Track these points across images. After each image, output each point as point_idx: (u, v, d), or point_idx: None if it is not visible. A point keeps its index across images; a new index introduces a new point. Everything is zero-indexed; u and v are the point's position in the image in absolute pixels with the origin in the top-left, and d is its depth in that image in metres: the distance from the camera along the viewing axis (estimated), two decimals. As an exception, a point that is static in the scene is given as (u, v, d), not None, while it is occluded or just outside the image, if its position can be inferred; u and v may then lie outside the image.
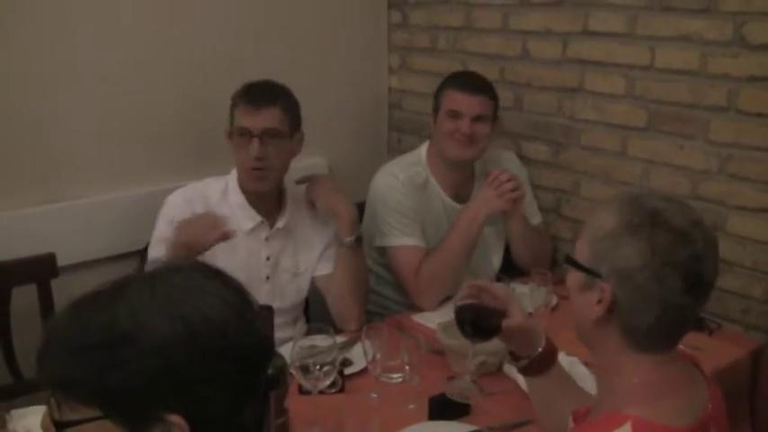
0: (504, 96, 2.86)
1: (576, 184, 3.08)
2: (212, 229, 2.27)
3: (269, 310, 1.75)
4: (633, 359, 1.39)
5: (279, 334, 1.95)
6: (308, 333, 1.94)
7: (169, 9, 2.93)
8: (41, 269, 2.63)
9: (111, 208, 2.89)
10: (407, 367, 2.01)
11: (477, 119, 2.71)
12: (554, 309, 2.48)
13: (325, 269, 2.61)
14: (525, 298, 2.31)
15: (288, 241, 2.55)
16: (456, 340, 2.18)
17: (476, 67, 3.29)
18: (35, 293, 2.62)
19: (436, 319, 2.46)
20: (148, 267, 1.54)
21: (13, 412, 1.87)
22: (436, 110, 2.79)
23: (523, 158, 3.17)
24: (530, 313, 2.19)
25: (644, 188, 2.81)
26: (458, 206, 2.81)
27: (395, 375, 2.03)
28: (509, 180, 2.69)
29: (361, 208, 2.96)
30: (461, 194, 2.85)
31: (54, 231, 2.73)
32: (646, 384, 1.38)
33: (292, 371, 1.89)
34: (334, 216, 2.51)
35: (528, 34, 3.14)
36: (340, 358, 1.99)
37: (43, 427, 1.08)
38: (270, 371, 1.18)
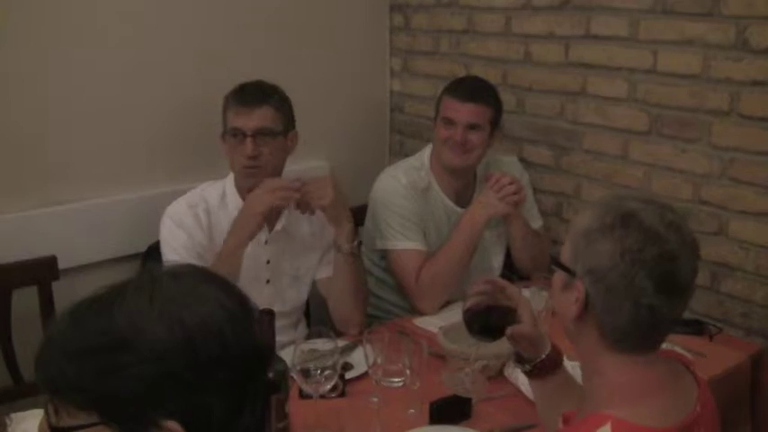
0: (506, 100, 2.86)
1: (578, 187, 3.08)
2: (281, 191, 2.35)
3: (270, 314, 1.75)
4: (613, 360, 1.41)
5: (280, 337, 1.95)
6: (309, 337, 1.94)
7: (170, 13, 2.94)
8: (42, 271, 2.62)
9: (113, 211, 2.89)
10: (408, 371, 2.00)
11: (471, 127, 2.70)
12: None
13: (326, 272, 2.61)
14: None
15: (287, 244, 2.55)
16: (457, 344, 2.18)
17: (478, 70, 3.30)
18: (36, 296, 2.61)
19: (437, 323, 2.46)
20: None
21: (14, 415, 1.87)
22: (437, 115, 2.79)
23: (525, 162, 3.17)
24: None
25: (642, 189, 2.81)
26: (459, 210, 2.81)
27: (396, 380, 2.03)
28: (510, 183, 2.68)
29: (362, 210, 2.96)
30: (463, 199, 2.84)
31: (55, 234, 2.73)
32: (626, 385, 1.39)
33: (293, 375, 1.89)
34: (336, 224, 2.49)
35: (530, 38, 3.14)
36: (341, 362, 1.99)
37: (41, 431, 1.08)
38: (271, 375, 1.18)
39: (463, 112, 2.69)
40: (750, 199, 2.56)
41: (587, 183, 3.04)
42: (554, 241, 3.12)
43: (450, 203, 2.85)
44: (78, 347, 1.02)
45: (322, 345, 1.91)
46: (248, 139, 2.39)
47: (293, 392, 1.94)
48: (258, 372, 1.11)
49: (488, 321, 1.82)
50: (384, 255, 2.83)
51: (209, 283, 1.10)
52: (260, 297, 2.39)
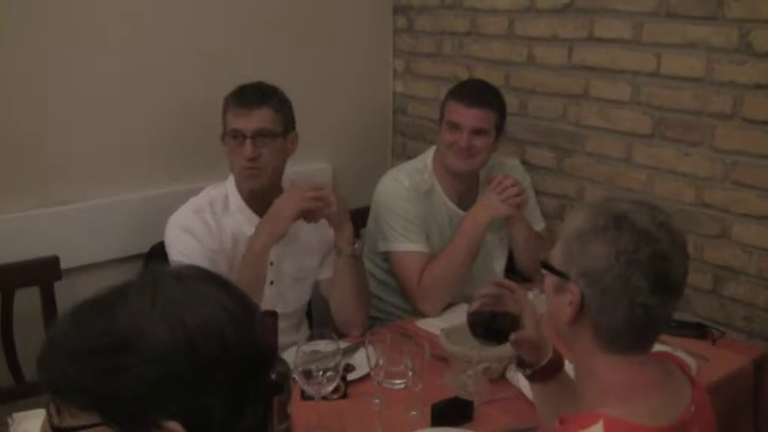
0: (509, 102, 2.86)
1: (581, 190, 3.07)
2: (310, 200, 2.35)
3: (273, 315, 1.75)
4: (606, 360, 1.42)
5: (282, 339, 1.95)
6: (311, 338, 1.94)
7: (173, 13, 2.94)
8: (44, 272, 2.63)
9: (116, 211, 2.89)
10: (410, 373, 2.00)
11: (476, 132, 2.69)
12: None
13: (328, 273, 2.61)
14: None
15: (289, 245, 2.54)
16: (460, 346, 2.18)
17: (481, 72, 3.30)
18: (38, 296, 2.61)
19: (440, 325, 2.45)
20: None
21: (15, 415, 1.87)
22: (441, 119, 2.79)
23: (528, 164, 3.17)
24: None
25: (644, 192, 2.81)
26: (462, 213, 2.80)
27: (398, 381, 2.02)
28: (513, 185, 2.68)
29: (364, 213, 2.97)
30: (466, 202, 2.84)
31: (57, 234, 2.73)
32: (619, 384, 1.41)
33: (295, 376, 1.89)
34: (338, 228, 2.48)
35: (533, 40, 3.13)
36: (343, 364, 1.99)
37: (43, 432, 1.08)
38: (273, 376, 1.18)
39: (469, 116, 2.69)
40: (753, 202, 2.56)
41: (590, 185, 3.03)
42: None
43: (453, 206, 2.85)
44: (80, 348, 1.02)
45: (324, 346, 1.91)
46: (247, 141, 2.39)
47: (295, 394, 1.93)
48: (260, 373, 1.11)
49: (493, 326, 1.82)
50: (386, 257, 2.83)
51: (211, 284, 1.10)
52: (262, 298, 2.41)
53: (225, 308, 1.06)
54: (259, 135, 2.40)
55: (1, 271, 2.56)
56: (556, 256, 1.47)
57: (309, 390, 1.92)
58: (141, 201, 2.92)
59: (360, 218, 3.04)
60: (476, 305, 1.84)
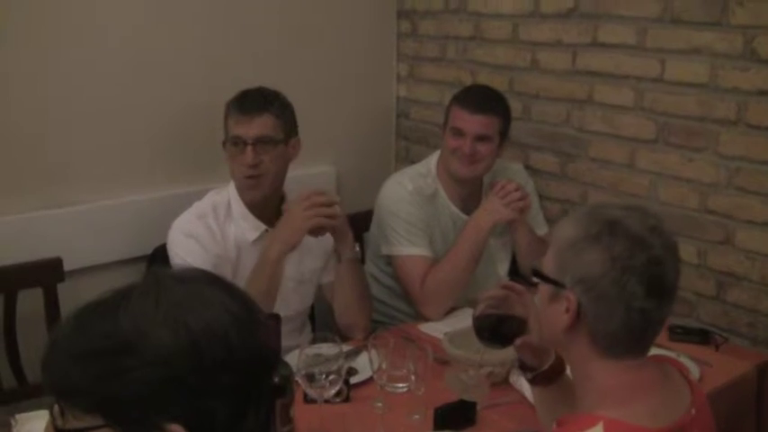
0: (513, 107, 2.86)
1: (584, 195, 3.07)
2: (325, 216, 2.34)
3: (276, 318, 1.75)
4: (603, 365, 1.44)
5: (285, 342, 1.94)
6: (314, 341, 1.93)
7: (176, 15, 2.94)
8: (48, 273, 2.63)
9: (119, 213, 2.89)
10: (413, 377, 2.00)
11: (480, 138, 2.69)
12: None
13: (330, 276, 2.61)
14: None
15: (292, 249, 2.55)
16: (463, 350, 2.18)
17: (484, 77, 3.30)
18: (41, 298, 2.62)
19: (442, 329, 2.45)
20: None
21: (18, 416, 1.87)
22: (445, 124, 2.79)
23: (531, 169, 3.17)
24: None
25: (648, 198, 2.81)
26: (465, 217, 2.80)
27: (400, 385, 2.02)
28: (516, 190, 2.68)
29: (368, 216, 2.97)
30: (470, 206, 2.84)
31: (60, 236, 2.73)
32: (618, 387, 1.42)
33: (298, 379, 1.89)
34: (340, 237, 2.48)
35: (537, 45, 3.14)
36: (345, 367, 1.99)
37: (46, 434, 1.08)
38: (276, 379, 1.18)
39: (472, 123, 2.68)
40: (757, 208, 2.56)
41: (593, 190, 3.03)
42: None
43: (457, 210, 2.85)
44: (83, 350, 1.02)
45: (327, 349, 1.91)
46: (248, 148, 2.38)
47: (298, 397, 1.94)
48: (263, 376, 1.11)
49: (499, 329, 1.81)
50: (390, 261, 2.83)
51: (215, 287, 1.10)
52: (274, 307, 2.40)
53: (228, 311, 1.06)
54: (260, 142, 2.39)
55: (4, 272, 2.57)
56: (548, 265, 1.48)
57: (312, 393, 1.92)
58: (144, 203, 2.92)
59: (363, 222, 3.05)
60: (481, 307, 1.84)
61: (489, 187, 2.80)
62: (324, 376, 1.88)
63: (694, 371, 2.20)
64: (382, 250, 2.82)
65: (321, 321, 2.88)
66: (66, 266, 2.66)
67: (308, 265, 2.60)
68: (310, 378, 1.88)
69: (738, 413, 2.35)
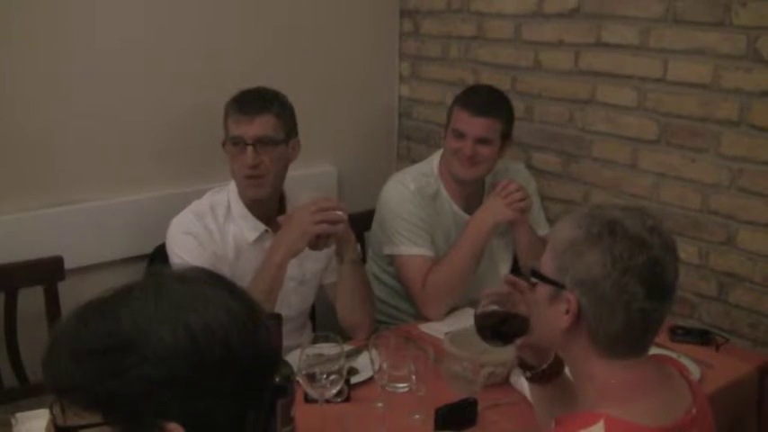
0: (516, 107, 2.85)
1: (586, 195, 3.07)
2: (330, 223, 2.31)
3: (277, 318, 1.75)
4: (603, 364, 1.44)
5: (286, 341, 1.94)
6: (315, 341, 1.93)
7: (178, 15, 2.94)
8: (48, 272, 2.63)
9: (120, 211, 2.89)
10: (414, 377, 2.00)
11: (481, 141, 2.68)
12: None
13: (333, 277, 2.61)
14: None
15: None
16: (464, 350, 2.18)
17: (487, 77, 3.30)
18: (42, 296, 2.62)
19: (443, 329, 2.45)
20: None
21: (19, 415, 1.87)
22: (448, 124, 2.78)
23: (534, 169, 3.17)
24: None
25: (650, 198, 2.81)
26: (467, 217, 2.80)
27: (401, 385, 2.02)
28: (517, 190, 2.68)
29: (369, 216, 2.97)
30: (472, 206, 2.83)
31: (61, 234, 2.73)
32: (618, 385, 1.43)
33: (299, 379, 1.89)
34: (343, 241, 2.45)
35: (540, 45, 3.13)
36: (346, 367, 1.99)
37: None
38: (276, 379, 1.18)
39: (473, 125, 2.67)
40: (759, 210, 2.56)
41: (596, 191, 3.03)
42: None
43: (459, 210, 2.84)
44: (83, 348, 1.02)
45: (328, 349, 1.91)
46: (249, 148, 2.38)
47: (298, 397, 1.94)
48: (264, 376, 1.11)
49: (501, 328, 1.80)
50: (391, 260, 2.83)
51: (216, 286, 1.10)
52: (275, 308, 2.40)
53: (229, 311, 1.06)
54: (260, 142, 2.39)
55: (5, 271, 2.57)
56: (547, 266, 1.49)
57: (313, 393, 1.92)
58: (145, 202, 2.92)
59: (364, 221, 3.04)
60: (484, 303, 1.83)
61: (491, 187, 2.80)
62: (325, 376, 1.88)
63: (695, 372, 2.20)
64: (384, 250, 2.81)
65: (322, 321, 2.88)
66: (67, 265, 2.65)
67: (309, 266, 2.59)
68: (311, 378, 1.88)
69: (739, 415, 2.34)
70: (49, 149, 2.73)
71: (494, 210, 2.69)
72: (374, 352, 2.02)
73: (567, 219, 1.52)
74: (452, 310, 2.70)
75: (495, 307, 1.81)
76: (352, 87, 3.54)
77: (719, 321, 2.70)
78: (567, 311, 1.43)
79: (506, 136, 2.75)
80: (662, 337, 2.34)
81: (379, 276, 2.93)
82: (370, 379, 2.12)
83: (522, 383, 2.12)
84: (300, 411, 1.91)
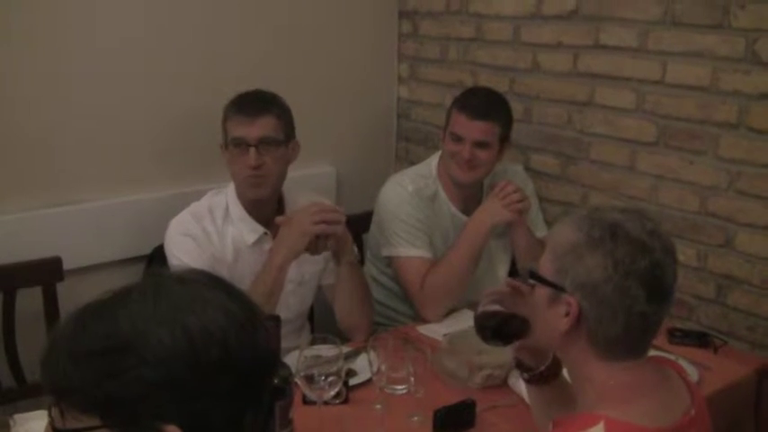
0: (514, 108, 2.85)
1: (585, 197, 3.07)
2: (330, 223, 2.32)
3: (276, 320, 1.75)
4: (603, 366, 1.44)
5: (284, 343, 1.95)
6: (314, 343, 1.93)
7: (178, 16, 2.94)
8: (47, 272, 2.63)
9: (119, 212, 2.89)
10: (412, 379, 2.00)
11: (479, 144, 2.68)
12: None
13: (331, 278, 2.61)
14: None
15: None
16: (463, 351, 2.18)
17: (485, 78, 3.30)
18: (40, 297, 2.62)
19: (441, 331, 2.45)
20: None
21: (17, 416, 1.87)
22: (446, 127, 2.78)
23: (532, 171, 3.17)
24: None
25: (649, 200, 2.81)
26: (466, 218, 2.80)
27: (399, 387, 2.02)
28: (515, 191, 2.68)
29: (368, 217, 2.97)
30: (470, 207, 2.83)
31: (60, 235, 2.73)
32: (617, 387, 1.42)
33: (297, 381, 1.89)
34: (339, 240, 2.46)
35: (539, 47, 3.13)
36: (345, 369, 1.99)
37: (45, 434, 1.08)
38: (275, 381, 1.18)
39: (471, 129, 2.67)
40: (757, 212, 2.56)
41: (594, 193, 3.03)
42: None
43: (457, 211, 2.85)
44: (82, 350, 1.02)
45: (326, 351, 1.91)
46: (251, 149, 2.38)
47: (297, 398, 1.93)
48: (262, 378, 1.11)
49: (501, 328, 1.80)
50: (390, 262, 2.83)
51: (215, 288, 1.10)
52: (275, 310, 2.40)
53: (228, 312, 1.06)
54: (263, 143, 2.39)
55: (3, 271, 2.57)
56: (546, 268, 1.48)
57: (311, 394, 1.92)
58: (144, 202, 2.92)
59: (362, 222, 3.04)
60: (484, 302, 1.82)
61: (489, 189, 2.80)
62: (323, 378, 1.88)
63: (693, 374, 2.20)
64: (382, 251, 2.81)
65: (320, 323, 2.88)
66: (66, 266, 2.66)
67: (308, 268, 2.59)
68: (309, 379, 1.88)
69: (737, 417, 2.35)
70: (49, 149, 2.73)
71: (492, 211, 2.69)
72: (372, 354, 2.02)
73: (566, 221, 1.51)
74: (451, 312, 2.70)
75: (496, 306, 1.80)
76: (351, 88, 3.54)
77: (717, 324, 2.70)
78: (567, 314, 1.42)
79: (505, 139, 2.75)
80: (660, 339, 2.34)
81: (377, 278, 2.93)
82: (369, 381, 2.12)
83: (520, 385, 2.12)
84: (299, 413, 1.91)
